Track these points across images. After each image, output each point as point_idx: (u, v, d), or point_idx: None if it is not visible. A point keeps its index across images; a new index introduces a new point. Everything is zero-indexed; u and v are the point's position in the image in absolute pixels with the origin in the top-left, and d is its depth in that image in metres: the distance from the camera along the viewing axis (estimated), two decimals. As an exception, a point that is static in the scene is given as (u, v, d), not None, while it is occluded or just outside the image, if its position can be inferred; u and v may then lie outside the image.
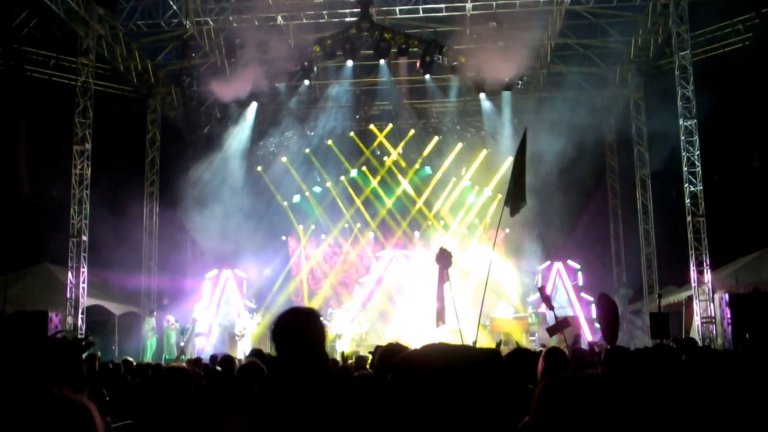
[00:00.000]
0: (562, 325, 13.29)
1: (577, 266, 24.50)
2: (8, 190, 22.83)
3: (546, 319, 22.98)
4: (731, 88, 21.89)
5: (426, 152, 27.12)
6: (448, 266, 14.18)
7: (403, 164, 27.25)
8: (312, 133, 27.09)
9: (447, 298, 14.06)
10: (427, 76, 24.14)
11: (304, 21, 22.85)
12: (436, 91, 25.70)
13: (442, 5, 22.15)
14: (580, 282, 24.37)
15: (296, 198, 26.95)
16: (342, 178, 27.23)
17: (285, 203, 26.79)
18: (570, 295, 24.17)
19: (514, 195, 11.82)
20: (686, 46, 20.84)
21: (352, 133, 27.28)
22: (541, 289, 14.73)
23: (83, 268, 20.95)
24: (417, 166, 27.12)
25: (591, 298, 23.92)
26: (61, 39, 23.28)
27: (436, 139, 27.05)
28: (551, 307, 13.73)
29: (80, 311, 20.65)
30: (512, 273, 24.74)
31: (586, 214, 25.37)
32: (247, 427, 3.59)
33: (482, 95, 24.50)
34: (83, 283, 20.92)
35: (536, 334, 22.58)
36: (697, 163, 20.67)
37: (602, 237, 26.32)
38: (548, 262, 24.80)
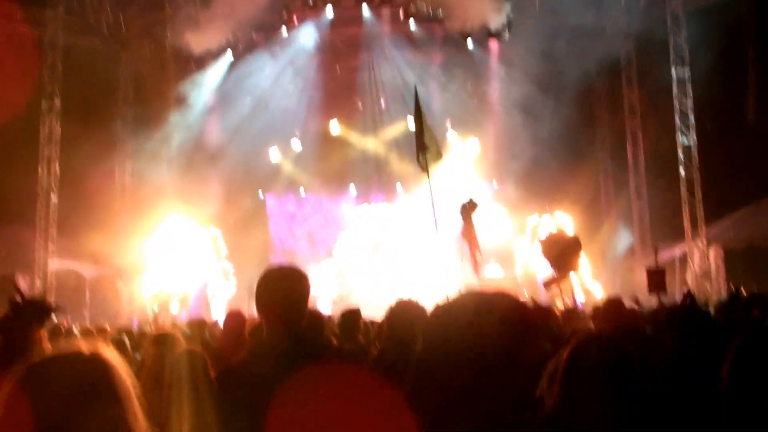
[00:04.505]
0: (558, 278, 12.72)
1: (568, 219, 23.62)
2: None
3: (536, 279, 22.38)
4: (727, 38, 21.14)
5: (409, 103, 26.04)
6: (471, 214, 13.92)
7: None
8: (292, 86, 25.95)
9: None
10: (412, 25, 23.30)
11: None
12: (421, 40, 24.67)
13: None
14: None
15: (274, 152, 25.87)
16: (322, 131, 26.14)
17: (263, 159, 25.73)
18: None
19: (421, 149, 12.23)
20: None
21: (332, 85, 26.15)
22: (543, 242, 14.31)
23: (52, 228, 20.18)
24: (400, 117, 26.06)
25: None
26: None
27: (419, 89, 25.89)
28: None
29: (47, 274, 19.92)
30: (501, 230, 23.86)
31: (576, 169, 24.51)
32: None
33: (469, 43, 23.67)
34: (51, 244, 20.16)
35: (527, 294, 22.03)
36: (689, 113, 20.02)
37: (592, 192, 25.56)
38: (537, 216, 23.95)
